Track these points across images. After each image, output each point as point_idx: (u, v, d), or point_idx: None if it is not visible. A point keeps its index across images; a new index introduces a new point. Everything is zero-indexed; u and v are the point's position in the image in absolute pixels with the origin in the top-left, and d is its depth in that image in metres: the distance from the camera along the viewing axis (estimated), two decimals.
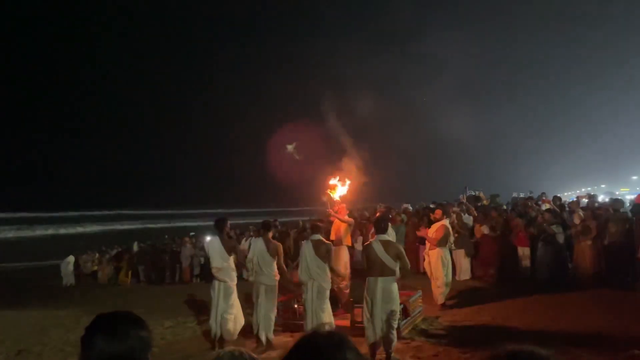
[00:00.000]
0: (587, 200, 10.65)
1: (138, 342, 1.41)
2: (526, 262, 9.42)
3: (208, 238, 9.61)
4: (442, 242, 7.81)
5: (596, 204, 10.18)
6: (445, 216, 8.19)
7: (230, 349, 1.26)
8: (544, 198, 11.51)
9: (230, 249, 6.39)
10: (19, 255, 29.49)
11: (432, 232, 7.98)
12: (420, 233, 8.51)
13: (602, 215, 8.83)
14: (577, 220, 8.88)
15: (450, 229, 8.22)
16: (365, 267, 5.46)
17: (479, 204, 12.50)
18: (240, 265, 6.63)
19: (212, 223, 6.98)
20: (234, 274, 6.49)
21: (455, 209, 10.63)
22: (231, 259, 6.40)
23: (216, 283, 6.36)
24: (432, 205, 10.90)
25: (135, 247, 17.61)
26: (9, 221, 50.72)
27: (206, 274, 12.71)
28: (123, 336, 1.39)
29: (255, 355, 1.32)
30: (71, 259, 17.76)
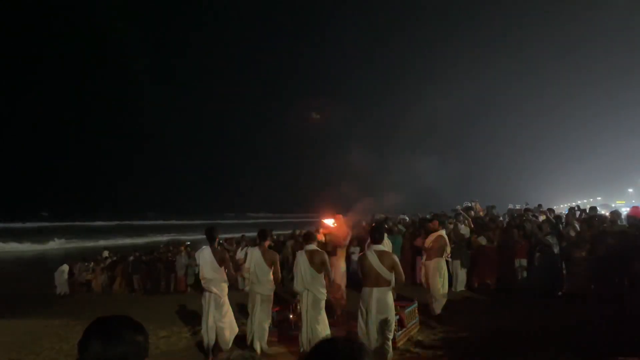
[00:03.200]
0: (579, 212, 10.69)
1: (133, 346, 1.40)
2: (522, 273, 9.42)
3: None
4: (438, 252, 7.82)
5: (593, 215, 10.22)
6: (442, 227, 8.20)
7: (240, 353, 1.27)
8: (541, 210, 11.53)
9: (221, 259, 6.24)
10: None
11: (429, 242, 7.98)
12: (417, 243, 8.51)
13: (598, 227, 8.85)
14: (572, 232, 8.91)
15: (447, 239, 8.23)
16: (361, 277, 5.46)
17: (473, 214, 12.49)
18: (231, 276, 6.52)
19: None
20: (225, 285, 6.32)
21: (451, 219, 10.65)
22: (222, 270, 6.24)
23: (206, 294, 6.28)
24: (429, 216, 10.91)
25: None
26: None
27: (200, 284, 12.60)
28: (118, 340, 1.38)
29: None
30: (65, 267, 17.57)
